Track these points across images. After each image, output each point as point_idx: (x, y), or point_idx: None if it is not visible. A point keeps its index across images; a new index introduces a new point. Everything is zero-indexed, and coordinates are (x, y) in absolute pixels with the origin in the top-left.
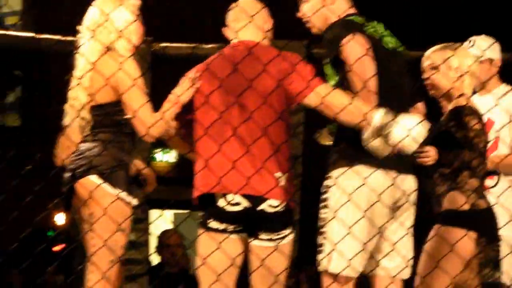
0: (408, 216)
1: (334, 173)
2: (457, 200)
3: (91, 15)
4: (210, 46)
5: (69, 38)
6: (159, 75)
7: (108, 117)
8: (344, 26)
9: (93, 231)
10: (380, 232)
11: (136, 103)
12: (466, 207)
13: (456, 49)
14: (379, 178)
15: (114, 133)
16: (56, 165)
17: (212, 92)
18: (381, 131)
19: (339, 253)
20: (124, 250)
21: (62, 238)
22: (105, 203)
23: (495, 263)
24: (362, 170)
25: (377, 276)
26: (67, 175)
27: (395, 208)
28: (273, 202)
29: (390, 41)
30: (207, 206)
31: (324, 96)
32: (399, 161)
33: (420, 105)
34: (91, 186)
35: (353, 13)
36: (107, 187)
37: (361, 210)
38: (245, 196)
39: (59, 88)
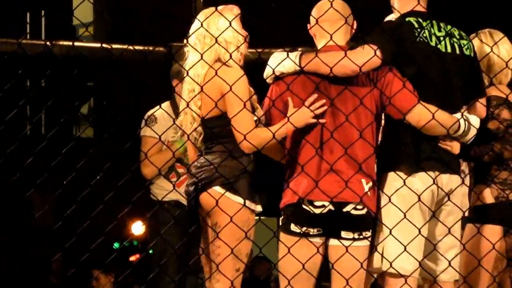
0: (457, 216)
1: (381, 179)
2: (484, 194)
3: (198, 27)
4: (279, 51)
5: (141, 47)
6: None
7: (222, 128)
8: (388, 33)
9: (219, 240)
10: (432, 232)
11: (241, 118)
12: (492, 200)
13: (489, 37)
14: (421, 180)
15: (231, 142)
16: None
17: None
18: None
19: (398, 253)
20: (249, 258)
21: (139, 247)
22: (230, 212)
23: None
24: (405, 174)
25: (439, 280)
26: (190, 188)
27: (440, 208)
28: (358, 205)
29: (450, 44)
30: (291, 210)
31: (422, 113)
32: (442, 162)
33: (481, 101)
34: (215, 196)
35: (415, 11)
36: (231, 196)
37: (410, 211)
38: (332, 202)
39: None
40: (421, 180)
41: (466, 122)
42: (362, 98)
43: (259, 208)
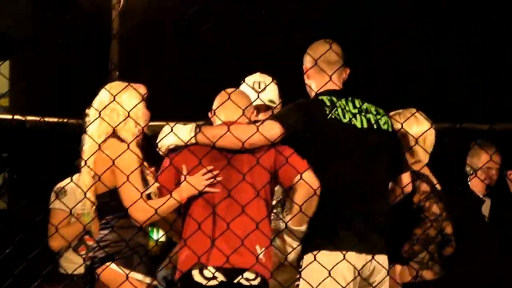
0: None
1: (304, 260)
2: (402, 274)
3: (101, 97)
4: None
5: (55, 119)
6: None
7: (119, 202)
8: (296, 112)
9: None
10: None
11: (128, 191)
12: (408, 279)
13: (408, 117)
14: (344, 260)
15: (126, 217)
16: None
17: (205, 158)
18: None
19: None
20: None
21: None
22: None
23: None
24: (327, 255)
25: None
26: (88, 263)
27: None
28: (249, 275)
29: (366, 120)
30: (184, 284)
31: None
32: (366, 242)
33: (405, 175)
34: (110, 273)
35: (329, 90)
36: (125, 272)
37: None
38: (222, 269)
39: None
40: (337, 259)
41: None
42: (258, 159)
43: (150, 280)
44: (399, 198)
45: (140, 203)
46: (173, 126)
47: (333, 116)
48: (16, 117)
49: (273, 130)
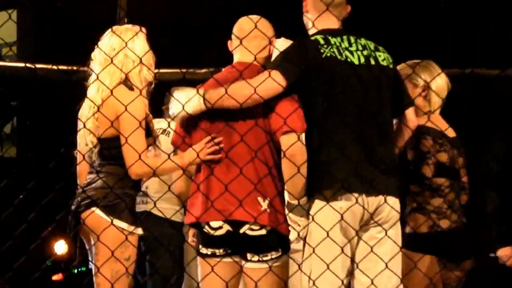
0: (386, 237)
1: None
2: (418, 222)
3: (111, 42)
4: (203, 71)
5: (65, 67)
6: (154, 100)
7: (118, 150)
8: (290, 56)
9: (98, 261)
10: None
11: (130, 141)
12: (425, 229)
13: (422, 67)
14: (344, 201)
15: (121, 165)
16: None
17: (203, 118)
18: None
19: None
20: (130, 278)
21: (62, 267)
22: (108, 234)
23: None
24: (328, 197)
25: None
26: (73, 207)
27: (367, 229)
28: (253, 226)
29: (363, 56)
30: (197, 231)
31: (291, 143)
32: (366, 182)
33: (409, 111)
34: (94, 219)
35: (325, 29)
36: (111, 219)
37: (333, 235)
38: (227, 221)
39: (57, 117)
40: (343, 202)
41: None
42: (258, 118)
43: (139, 231)
44: (408, 136)
45: (140, 158)
46: (181, 93)
47: (328, 54)
48: (27, 65)
49: (277, 81)
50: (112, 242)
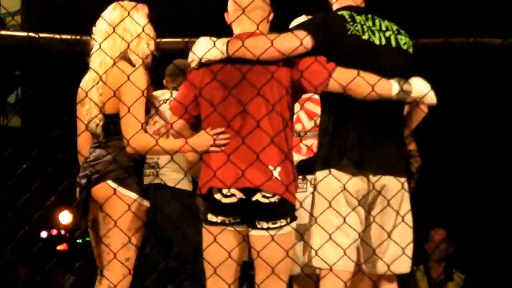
0: (391, 214)
1: (316, 176)
2: None
3: (111, 15)
4: None
5: (68, 37)
6: (155, 69)
7: (118, 126)
8: (319, 23)
9: (109, 232)
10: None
11: (129, 115)
12: None
13: None
14: (346, 177)
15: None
16: (80, 162)
17: (212, 91)
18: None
19: (328, 249)
20: (138, 250)
21: (66, 237)
22: (120, 205)
23: None
24: (335, 173)
25: (371, 275)
26: (83, 181)
27: (370, 205)
28: (266, 193)
29: (385, 38)
30: (206, 199)
31: (343, 75)
32: (376, 163)
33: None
34: (107, 190)
35: (350, 5)
36: (122, 190)
37: (337, 207)
38: (239, 189)
39: (60, 87)
40: (341, 177)
41: (401, 81)
42: (271, 77)
43: (147, 203)
44: (420, 119)
45: (138, 132)
46: (202, 39)
47: (353, 32)
48: (29, 34)
49: (303, 41)
50: (126, 213)
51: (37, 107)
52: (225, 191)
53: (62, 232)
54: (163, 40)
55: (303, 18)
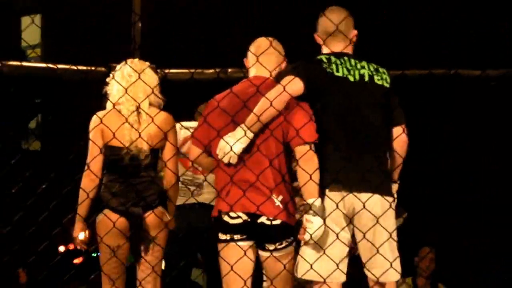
0: (377, 229)
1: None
2: None
3: (128, 72)
4: (210, 71)
5: (83, 67)
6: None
7: (156, 160)
8: (297, 66)
9: (157, 249)
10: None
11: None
12: None
13: None
14: (331, 197)
15: (155, 171)
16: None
17: (220, 123)
18: None
19: (316, 262)
20: None
21: (82, 251)
22: (163, 226)
23: None
24: (327, 193)
25: (370, 281)
26: (135, 209)
27: (353, 221)
28: (269, 217)
29: (359, 75)
30: (216, 223)
31: (304, 152)
32: (364, 183)
33: (398, 129)
34: (160, 214)
35: (332, 52)
36: (166, 213)
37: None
38: (245, 213)
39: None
40: (331, 197)
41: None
42: (273, 130)
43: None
44: (400, 149)
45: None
46: (230, 138)
47: (328, 70)
48: (48, 65)
49: (294, 83)
50: (165, 229)
51: (56, 132)
52: (232, 214)
53: (78, 246)
54: (171, 71)
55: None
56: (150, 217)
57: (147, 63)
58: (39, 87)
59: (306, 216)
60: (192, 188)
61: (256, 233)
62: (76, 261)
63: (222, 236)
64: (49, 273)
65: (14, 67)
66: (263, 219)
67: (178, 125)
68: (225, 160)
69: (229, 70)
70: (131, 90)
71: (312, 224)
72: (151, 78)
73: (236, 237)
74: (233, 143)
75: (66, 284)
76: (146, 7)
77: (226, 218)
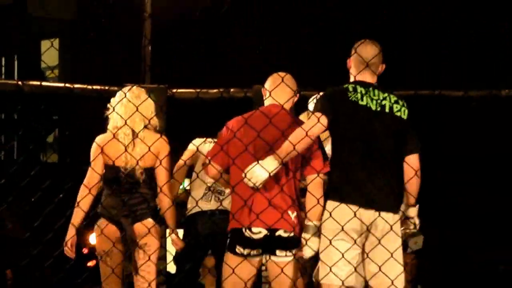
0: (385, 243)
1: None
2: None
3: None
4: (214, 91)
5: (98, 87)
6: (173, 115)
7: (151, 176)
8: (325, 99)
9: (152, 253)
10: (361, 253)
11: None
12: None
13: None
14: (344, 210)
15: (150, 189)
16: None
17: (247, 143)
18: None
19: (328, 268)
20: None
21: (96, 255)
22: (155, 234)
23: None
24: (336, 204)
25: None
26: (129, 219)
27: (364, 235)
28: (286, 230)
29: (380, 105)
30: (236, 235)
31: (313, 181)
32: (379, 199)
33: (411, 157)
34: (149, 224)
35: (358, 81)
36: (156, 224)
37: (337, 235)
38: (266, 228)
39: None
40: (343, 211)
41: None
42: (282, 135)
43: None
44: (411, 176)
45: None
46: (261, 169)
47: (352, 99)
48: (66, 85)
49: (321, 121)
50: (157, 239)
51: (72, 146)
52: (254, 229)
53: (91, 250)
54: (179, 90)
55: (317, 97)
56: (138, 226)
57: (144, 90)
58: (56, 105)
59: (306, 235)
60: (214, 195)
61: (271, 245)
62: (90, 264)
63: (239, 250)
64: (64, 275)
65: (34, 87)
66: (280, 232)
67: (209, 140)
68: (252, 184)
69: (231, 90)
70: (127, 116)
71: (312, 245)
72: (147, 103)
73: (252, 252)
74: (266, 173)
75: (80, 286)
76: (155, 30)
77: (247, 233)
